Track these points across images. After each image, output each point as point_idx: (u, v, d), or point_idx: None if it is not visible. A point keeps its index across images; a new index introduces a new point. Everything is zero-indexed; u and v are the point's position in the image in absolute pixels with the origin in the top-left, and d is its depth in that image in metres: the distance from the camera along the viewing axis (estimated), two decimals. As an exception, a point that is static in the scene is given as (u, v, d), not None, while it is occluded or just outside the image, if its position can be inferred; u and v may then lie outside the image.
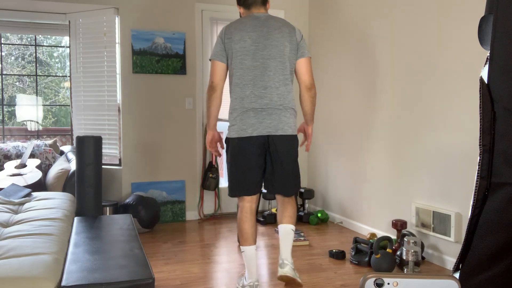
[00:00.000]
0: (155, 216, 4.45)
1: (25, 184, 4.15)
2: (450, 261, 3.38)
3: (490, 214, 1.32)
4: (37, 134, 5.91)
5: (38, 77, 8.36)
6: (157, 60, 4.82)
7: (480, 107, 1.34)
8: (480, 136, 1.35)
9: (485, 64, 1.37)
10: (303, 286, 3.05)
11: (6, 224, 2.68)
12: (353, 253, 3.55)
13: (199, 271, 3.37)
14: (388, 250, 3.38)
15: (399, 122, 3.91)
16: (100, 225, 2.85)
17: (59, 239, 2.41)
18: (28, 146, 4.75)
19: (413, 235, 3.44)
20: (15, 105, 7.65)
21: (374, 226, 4.25)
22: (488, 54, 1.32)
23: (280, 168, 2.83)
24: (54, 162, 4.77)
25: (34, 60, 9.24)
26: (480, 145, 1.35)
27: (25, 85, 9.46)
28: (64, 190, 4.20)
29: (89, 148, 3.93)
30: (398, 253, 3.39)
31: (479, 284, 1.33)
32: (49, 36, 5.66)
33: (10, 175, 4.27)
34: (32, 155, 4.69)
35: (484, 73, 1.35)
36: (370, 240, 3.55)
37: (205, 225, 4.77)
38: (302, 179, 5.48)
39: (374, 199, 4.25)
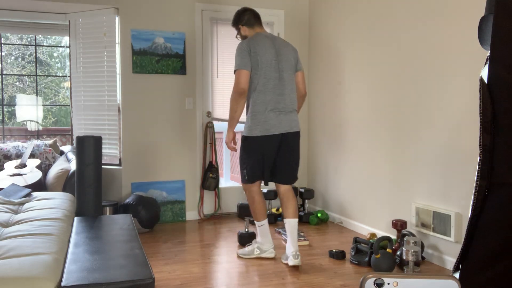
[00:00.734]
0: (155, 216, 4.45)
1: (25, 184, 4.16)
2: (450, 261, 3.38)
3: (490, 214, 1.32)
4: (37, 134, 5.92)
5: (38, 77, 8.36)
6: (157, 60, 4.82)
7: (480, 107, 1.34)
8: (480, 136, 1.35)
9: (485, 64, 1.37)
10: (303, 286, 3.06)
11: (6, 224, 2.68)
12: (353, 253, 3.55)
13: (199, 271, 3.37)
14: (388, 250, 3.38)
15: (399, 122, 3.91)
16: (100, 225, 2.85)
17: (59, 239, 2.41)
18: (28, 146, 4.75)
19: (413, 235, 3.44)
20: (15, 105, 7.65)
21: (374, 226, 4.25)
22: (488, 54, 1.32)
23: (289, 159, 3.46)
24: (54, 162, 4.78)
25: (34, 60, 9.24)
26: (480, 145, 1.35)
27: (25, 85, 9.46)
28: (64, 190, 4.20)
29: (89, 148, 3.93)
30: (398, 253, 3.39)
31: (479, 284, 1.33)
32: (49, 36, 5.66)
33: (10, 175, 4.27)
34: (32, 155, 4.69)
35: (484, 73, 1.35)
36: (370, 240, 3.54)
37: (205, 225, 4.77)
38: (302, 179, 5.48)
39: (374, 199, 4.25)
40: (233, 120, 3.38)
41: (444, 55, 3.42)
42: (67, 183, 4.22)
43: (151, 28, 4.79)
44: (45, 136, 6.20)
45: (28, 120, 6.17)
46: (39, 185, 4.28)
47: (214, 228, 4.63)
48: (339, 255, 3.62)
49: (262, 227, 3.57)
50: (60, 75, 9.80)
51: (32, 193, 3.61)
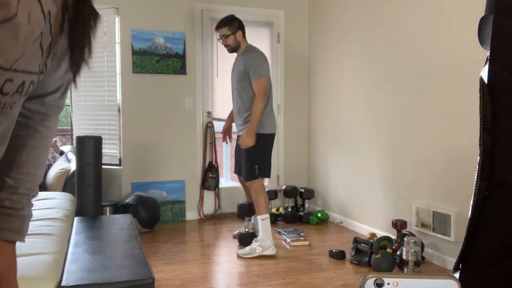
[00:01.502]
0: (155, 216, 4.45)
1: (25, 184, 4.15)
2: (450, 261, 3.38)
3: (490, 214, 1.32)
4: (37, 134, 5.91)
5: (38, 77, 8.33)
6: (157, 60, 4.82)
7: (480, 107, 1.34)
8: (480, 136, 1.35)
9: (485, 64, 1.37)
10: (304, 286, 3.05)
11: (6, 224, 2.67)
12: (353, 253, 3.55)
13: (199, 271, 3.37)
14: (388, 250, 3.38)
15: (399, 122, 3.91)
16: (100, 225, 2.85)
17: (59, 239, 2.41)
18: (28, 146, 4.74)
19: (413, 235, 3.44)
20: (15, 105, 7.62)
21: (374, 226, 4.25)
22: (488, 54, 1.33)
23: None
24: (54, 162, 4.78)
25: (34, 60, 9.21)
26: (480, 145, 1.35)
27: (25, 85, 9.43)
28: (64, 190, 4.20)
29: (89, 148, 3.93)
30: (398, 253, 3.39)
31: (479, 284, 1.33)
32: (49, 36, 5.68)
33: (10, 175, 4.26)
34: (32, 155, 4.68)
35: (484, 73, 1.35)
36: (370, 240, 3.54)
37: (205, 225, 4.77)
38: (302, 179, 5.48)
39: (374, 199, 4.25)
40: (257, 121, 3.69)
41: (444, 55, 3.42)
42: (67, 183, 4.22)
43: (151, 28, 4.79)
44: (45, 136, 6.19)
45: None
46: (39, 185, 4.28)
47: (214, 228, 4.62)
48: (339, 255, 3.62)
49: (266, 221, 3.74)
50: (60, 75, 9.78)
51: (32, 193, 3.60)
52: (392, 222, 3.62)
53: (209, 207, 5.10)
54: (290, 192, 5.00)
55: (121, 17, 4.70)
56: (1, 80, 0.72)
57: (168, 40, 4.84)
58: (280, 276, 3.26)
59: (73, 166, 4.34)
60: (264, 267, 3.46)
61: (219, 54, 5.10)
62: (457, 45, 3.30)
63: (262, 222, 3.72)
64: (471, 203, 1.34)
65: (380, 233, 4.16)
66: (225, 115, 5.06)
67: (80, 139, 3.92)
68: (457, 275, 1.38)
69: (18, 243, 0.95)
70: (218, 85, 5.11)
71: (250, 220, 4.14)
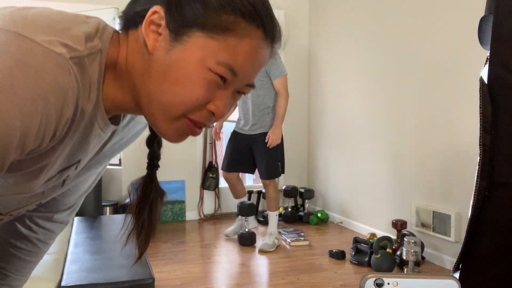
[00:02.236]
0: (155, 216, 4.44)
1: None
2: (450, 261, 3.38)
3: (490, 214, 1.32)
4: (37, 134, 5.91)
5: (38, 77, 8.33)
6: (157, 60, 4.82)
7: (480, 107, 1.34)
8: (480, 136, 1.35)
9: (485, 64, 1.37)
10: (303, 286, 3.06)
11: (6, 224, 2.68)
12: (353, 253, 3.55)
13: (199, 271, 3.36)
14: (388, 250, 3.38)
15: (399, 122, 3.91)
16: (100, 225, 2.85)
17: (59, 239, 2.41)
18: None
19: (413, 235, 3.44)
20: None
21: (374, 226, 4.25)
22: (488, 54, 1.33)
23: None
24: (54, 162, 4.77)
25: (34, 60, 9.22)
26: (480, 145, 1.35)
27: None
28: (64, 190, 4.19)
29: (89, 148, 3.92)
30: (398, 253, 3.39)
31: (479, 284, 1.33)
32: (49, 36, 5.68)
33: (10, 175, 4.26)
34: (32, 155, 4.69)
35: (484, 73, 1.35)
36: (370, 240, 3.55)
37: (205, 225, 4.77)
38: (302, 179, 5.48)
39: (374, 199, 4.25)
40: (283, 119, 3.82)
41: (444, 55, 3.42)
42: (67, 183, 4.21)
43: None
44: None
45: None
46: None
47: (214, 228, 4.62)
48: (339, 255, 3.62)
49: (277, 216, 4.07)
50: (60, 75, 9.79)
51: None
52: (392, 222, 3.62)
53: (209, 207, 5.10)
54: (290, 192, 5.00)
55: (121, 17, 4.70)
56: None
57: (168, 40, 4.84)
58: (280, 276, 3.26)
59: (73, 166, 4.34)
60: (264, 267, 3.46)
61: (219, 54, 5.09)
62: (457, 45, 3.30)
63: (275, 217, 4.00)
64: (471, 203, 1.34)
65: (380, 233, 4.16)
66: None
67: (80, 139, 3.91)
68: (457, 275, 1.38)
69: None
70: (218, 85, 5.11)
71: (246, 220, 4.14)
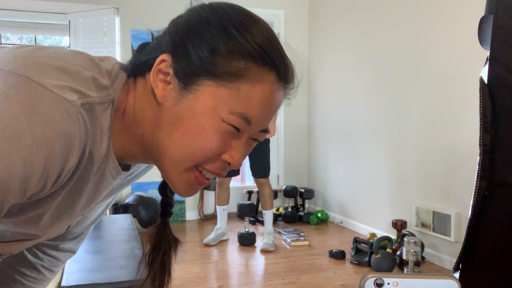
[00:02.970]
0: (155, 216, 4.45)
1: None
2: (450, 261, 3.38)
3: (490, 214, 1.32)
4: (37, 134, 5.91)
5: (38, 77, 8.33)
6: (157, 60, 4.82)
7: (480, 107, 1.34)
8: (480, 136, 1.35)
9: (485, 64, 1.37)
10: (303, 286, 3.05)
11: (6, 224, 2.67)
12: (353, 253, 3.55)
13: (199, 271, 3.36)
14: (388, 250, 3.38)
15: (399, 122, 3.91)
16: (100, 225, 2.85)
17: (59, 239, 2.41)
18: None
19: (413, 235, 3.44)
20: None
21: (374, 226, 4.25)
22: (488, 54, 1.33)
23: None
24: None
25: (34, 60, 9.21)
26: (480, 145, 1.35)
27: (25, 85, 9.43)
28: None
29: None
30: (398, 253, 3.39)
31: (479, 284, 1.33)
32: (49, 36, 5.67)
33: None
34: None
35: (484, 73, 1.35)
36: (370, 240, 3.55)
37: (205, 225, 4.77)
38: (302, 179, 5.48)
39: (374, 199, 4.25)
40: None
41: (444, 55, 3.42)
42: (67, 183, 4.21)
43: (151, 28, 4.79)
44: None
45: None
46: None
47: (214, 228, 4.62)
48: (339, 255, 3.62)
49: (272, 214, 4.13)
50: (60, 75, 9.78)
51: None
52: (392, 222, 3.62)
53: (209, 207, 5.10)
54: (290, 192, 5.00)
55: (121, 17, 4.70)
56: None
57: (168, 40, 4.84)
58: (280, 276, 3.26)
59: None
60: (264, 267, 3.46)
61: (219, 54, 5.10)
62: (457, 45, 3.30)
63: (272, 215, 4.06)
64: (471, 203, 1.33)
65: (380, 233, 4.16)
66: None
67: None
68: (457, 275, 1.38)
69: None
70: (218, 85, 5.11)
71: (246, 220, 4.15)
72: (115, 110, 0.65)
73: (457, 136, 3.31)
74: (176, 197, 0.81)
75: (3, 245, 0.68)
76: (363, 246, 3.52)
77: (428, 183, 3.59)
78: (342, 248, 3.90)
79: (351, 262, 3.54)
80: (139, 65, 0.68)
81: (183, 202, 4.92)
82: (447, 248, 3.41)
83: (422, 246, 3.51)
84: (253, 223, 4.78)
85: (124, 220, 2.98)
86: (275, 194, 5.07)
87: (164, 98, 0.64)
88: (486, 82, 1.33)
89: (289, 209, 4.95)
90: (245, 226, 4.08)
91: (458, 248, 3.34)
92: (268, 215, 4.01)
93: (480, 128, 1.34)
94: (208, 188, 4.95)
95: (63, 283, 1.80)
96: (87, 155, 0.61)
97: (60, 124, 0.55)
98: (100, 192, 0.70)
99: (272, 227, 4.04)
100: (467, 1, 3.21)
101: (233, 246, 4.01)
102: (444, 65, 3.42)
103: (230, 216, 5.11)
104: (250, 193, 5.11)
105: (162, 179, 0.78)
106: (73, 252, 0.93)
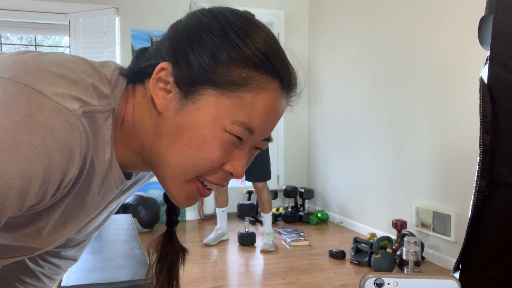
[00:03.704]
0: (155, 216, 4.45)
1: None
2: (450, 261, 3.38)
3: (490, 214, 1.32)
4: (37, 134, 5.91)
5: (38, 77, 8.33)
6: (157, 60, 4.82)
7: (480, 107, 1.34)
8: (480, 136, 1.35)
9: (485, 64, 1.37)
10: (303, 286, 3.05)
11: (6, 224, 2.67)
12: (353, 253, 3.55)
13: (199, 271, 3.36)
14: (388, 250, 3.38)
15: (399, 122, 3.91)
16: (100, 225, 2.85)
17: (59, 239, 2.41)
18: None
19: (413, 235, 3.44)
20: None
21: (374, 226, 4.25)
22: (488, 54, 1.33)
23: None
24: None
25: (34, 60, 9.21)
26: (480, 145, 1.35)
27: (25, 85, 9.43)
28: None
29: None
30: (398, 253, 3.39)
31: (479, 284, 1.33)
32: (49, 36, 5.67)
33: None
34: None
35: (484, 73, 1.35)
36: (370, 240, 3.55)
37: (205, 225, 4.77)
38: (302, 179, 5.48)
39: (374, 199, 4.25)
40: None
41: (444, 55, 3.42)
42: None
43: (151, 28, 4.79)
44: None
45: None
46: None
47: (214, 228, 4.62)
48: (339, 255, 3.62)
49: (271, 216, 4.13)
50: (60, 75, 9.78)
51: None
52: (392, 222, 3.62)
53: (209, 207, 5.10)
54: (290, 192, 5.00)
55: (121, 17, 4.70)
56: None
57: (168, 40, 4.84)
58: (280, 276, 3.26)
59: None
60: (264, 267, 3.46)
61: (219, 54, 5.09)
62: (457, 45, 3.30)
63: (271, 217, 4.04)
64: (471, 203, 1.33)
65: (380, 233, 4.16)
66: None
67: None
68: (457, 275, 1.38)
69: None
70: (218, 85, 5.12)
71: (246, 220, 4.15)
72: (115, 119, 0.63)
73: (457, 136, 3.31)
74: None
75: (1, 261, 0.68)
76: (363, 246, 3.52)
77: (428, 183, 3.59)
78: (342, 248, 3.90)
79: (351, 262, 3.54)
80: (138, 72, 0.66)
81: (183, 202, 4.92)
82: (447, 248, 3.41)
83: (422, 246, 3.51)
84: (253, 223, 4.78)
85: (124, 220, 2.98)
86: (275, 194, 5.07)
87: (164, 107, 0.62)
88: (486, 82, 1.33)
89: (289, 209, 4.95)
90: (245, 226, 4.08)
91: (458, 248, 3.34)
92: (267, 218, 4.01)
93: (480, 128, 1.34)
94: (208, 188, 4.95)
95: (63, 283, 1.80)
96: (88, 166, 0.59)
97: (61, 134, 0.54)
98: (104, 201, 0.69)
99: (271, 228, 4.03)
100: (467, 1, 3.21)
101: (233, 246, 4.01)
102: (443, 66, 3.42)
103: (230, 216, 5.12)
104: (250, 193, 5.11)
105: None
106: (74, 259, 0.92)
